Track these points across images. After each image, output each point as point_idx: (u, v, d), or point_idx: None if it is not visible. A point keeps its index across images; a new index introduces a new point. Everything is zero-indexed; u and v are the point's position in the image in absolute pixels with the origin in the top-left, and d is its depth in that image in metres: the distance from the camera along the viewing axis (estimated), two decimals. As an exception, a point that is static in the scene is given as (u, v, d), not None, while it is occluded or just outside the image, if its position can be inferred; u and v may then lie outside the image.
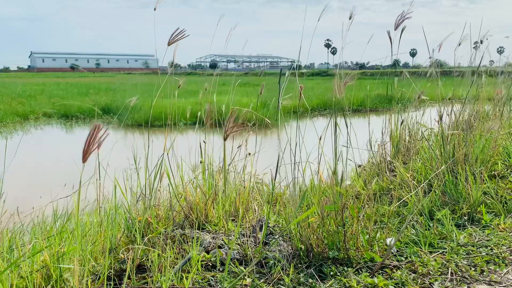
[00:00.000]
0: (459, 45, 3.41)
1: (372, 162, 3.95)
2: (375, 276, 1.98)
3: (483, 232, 2.52)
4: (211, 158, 2.90)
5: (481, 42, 3.67)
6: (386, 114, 4.24)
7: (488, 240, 2.39)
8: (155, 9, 2.43)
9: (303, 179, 2.57)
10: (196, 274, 2.02)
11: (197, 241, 2.25)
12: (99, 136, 1.25)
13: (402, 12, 2.54)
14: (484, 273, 2.04)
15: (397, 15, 2.54)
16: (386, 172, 3.59)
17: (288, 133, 2.51)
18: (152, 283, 1.93)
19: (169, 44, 2.16)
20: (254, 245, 2.28)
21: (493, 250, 2.26)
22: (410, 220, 2.53)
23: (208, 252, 2.24)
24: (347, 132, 2.52)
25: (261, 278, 2.00)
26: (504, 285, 1.94)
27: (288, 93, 2.65)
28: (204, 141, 2.89)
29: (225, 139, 1.90)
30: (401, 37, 3.02)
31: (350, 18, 2.58)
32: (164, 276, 1.88)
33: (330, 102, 2.43)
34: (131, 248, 2.19)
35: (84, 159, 1.27)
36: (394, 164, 3.65)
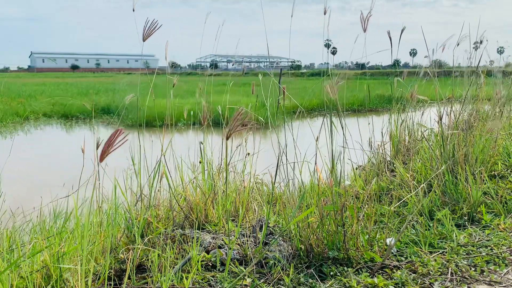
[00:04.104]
0: (458, 45, 3.42)
1: (372, 162, 3.95)
2: (375, 276, 1.98)
3: (483, 232, 2.52)
4: (211, 158, 2.90)
5: (481, 42, 3.67)
6: (386, 114, 4.24)
7: (488, 240, 2.39)
8: (133, 10, 2.39)
9: (301, 179, 2.57)
10: (196, 274, 2.02)
11: (197, 241, 2.25)
12: (119, 140, 1.30)
13: (361, 14, 2.50)
14: (484, 273, 2.04)
15: (360, 17, 2.50)
16: (386, 172, 3.59)
17: (287, 133, 2.51)
18: (152, 283, 1.93)
19: (144, 39, 2.04)
20: (254, 245, 2.28)
21: (493, 250, 2.26)
22: (410, 220, 2.53)
23: (208, 252, 2.24)
24: (343, 133, 2.52)
25: (261, 278, 2.00)
26: (504, 285, 1.94)
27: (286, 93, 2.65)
28: (201, 142, 2.88)
29: (227, 138, 1.89)
30: (401, 37, 3.03)
31: (325, 13, 2.53)
32: (164, 276, 1.88)
33: (328, 102, 2.43)
34: (131, 248, 2.19)
35: (101, 158, 1.32)
36: (394, 164, 3.65)
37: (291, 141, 2.50)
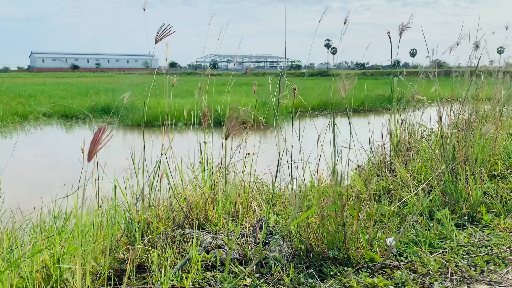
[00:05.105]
0: (457, 45, 3.42)
1: (372, 162, 3.95)
2: (375, 276, 1.98)
3: (483, 232, 2.52)
4: (211, 158, 2.90)
5: (476, 45, 3.67)
6: (386, 114, 4.24)
7: (488, 240, 2.39)
8: (144, 9, 2.42)
9: (303, 179, 2.57)
10: (196, 274, 2.02)
11: (197, 241, 2.25)
12: (104, 137, 1.30)
13: (402, 23, 2.64)
14: (484, 273, 2.04)
15: (399, 24, 2.66)
16: (386, 172, 3.59)
17: (288, 133, 2.51)
18: (152, 283, 1.93)
19: (156, 41, 2.09)
20: (254, 245, 2.28)
21: (493, 250, 2.26)
22: (410, 220, 2.53)
23: (208, 252, 2.24)
24: (350, 131, 2.52)
25: (261, 278, 2.00)
26: (504, 285, 1.94)
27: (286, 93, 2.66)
28: (204, 142, 2.88)
29: (226, 138, 1.90)
30: (400, 38, 3.03)
31: (345, 23, 2.62)
32: (164, 276, 1.88)
33: (332, 102, 2.43)
34: (131, 248, 2.19)
35: (90, 158, 1.32)
36: (394, 164, 3.65)
37: (292, 141, 2.50)
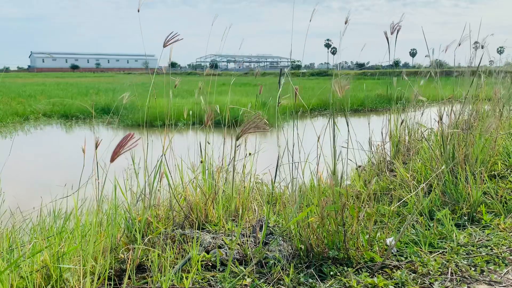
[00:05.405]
0: (459, 45, 3.42)
1: (372, 162, 3.95)
2: (375, 276, 1.98)
3: (483, 232, 2.52)
4: (211, 158, 2.91)
5: (476, 44, 3.67)
6: (386, 114, 4.24)
7: (488, 240, 2.39)
8: (138, 11, 2.45)
9: (302, 179, 2.57)
10: (196, 274, 2.02)
11: (197, 241, 2.25)
12: (130, 143, 1.35)
13: (392, 23, 2.65)
14: (484, 273, 2.04)
15: (391, 23, 2.66)
16: (386, 172, 3.59)
17: (288, 133, 2.51)
18: (152, 283, 1.93)
19: (164, 46, 2.25)
20: (254, 245, 2.28)
21: (493, 250, 2.26)
22: (410, 220, 2.53)
23: (208, 252, 2.24)
24: (348, 131, 2.52)
25: (261, 278, 2.00)
26: (504, 285, 1.94)
27: (286, 93, 2.66)
28: (208, 142, 2.89)
29: (237, 139, 1.93)
30: (397, 38, 3.04)
31: (345, 23, 2.63)
32: (164, 276, 1.88)
33: (333, 102, 2.43)
34: (131, 248, 2.19)
35: (112, 159, 1.37)
36: (394, 164, 3.65)
37: (293, 141, 2.50)
